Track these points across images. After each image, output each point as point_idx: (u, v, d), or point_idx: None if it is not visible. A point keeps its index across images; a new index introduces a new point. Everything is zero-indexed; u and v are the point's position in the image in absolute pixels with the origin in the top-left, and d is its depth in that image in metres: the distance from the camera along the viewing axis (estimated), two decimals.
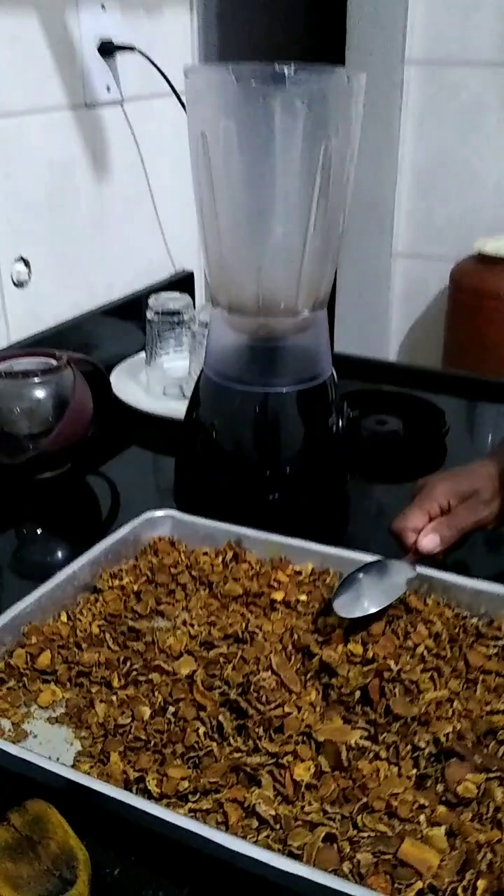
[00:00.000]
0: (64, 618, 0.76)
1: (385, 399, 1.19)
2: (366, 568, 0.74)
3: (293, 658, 0.70)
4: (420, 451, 1.07)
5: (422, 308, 2.18)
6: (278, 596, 0.78)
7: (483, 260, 1.89)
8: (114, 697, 0.67)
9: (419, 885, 0.50)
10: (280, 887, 0.50)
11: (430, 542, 0.77)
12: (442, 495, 0.79)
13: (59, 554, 0.93)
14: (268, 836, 0.54)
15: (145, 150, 1.33)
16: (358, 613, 0.70)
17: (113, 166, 1.28)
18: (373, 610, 0.70)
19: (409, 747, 0.61)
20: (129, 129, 1.30)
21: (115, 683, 0.69)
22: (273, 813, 0.55)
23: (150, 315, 1.21)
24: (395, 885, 0.50)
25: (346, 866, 0.51)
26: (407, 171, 2.08)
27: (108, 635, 0.74)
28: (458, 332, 1.95)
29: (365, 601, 0.71)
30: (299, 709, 0.64)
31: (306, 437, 0.89)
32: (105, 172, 1.27)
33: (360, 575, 0.73)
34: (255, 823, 0.55)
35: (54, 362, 1.01)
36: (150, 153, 1.34)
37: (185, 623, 0.75)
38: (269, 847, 0.52)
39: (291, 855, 0.52)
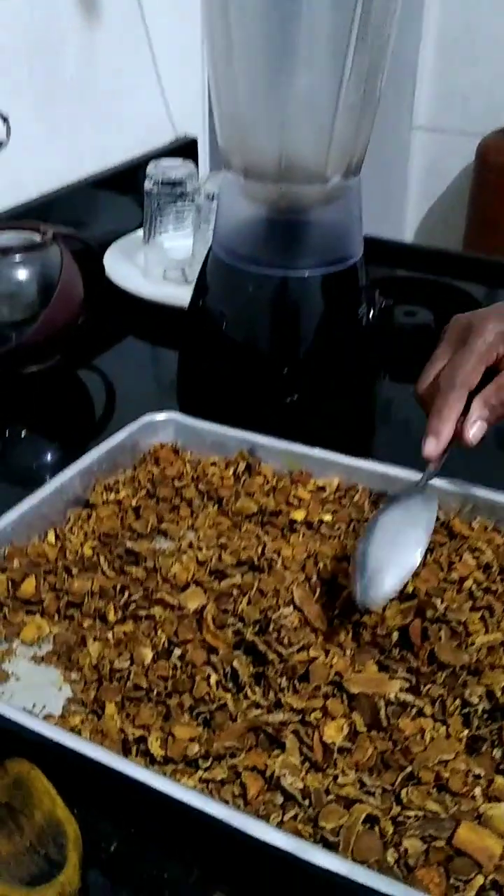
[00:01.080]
0: (51, 537, 0.66)
1: (413, 287, 1.06)
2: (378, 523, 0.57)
3: (318, 591, 0.60)
4: None
5: (443, 187, 2.04)
6: (299, 515, 0.67)
7: None
8: (109, 634, 0.57)
9: (479, 879, 0.42)
10: (310, 876, 0.42)
11: (479, 430, 0.58)
12: (499, 339, 0.59)
13: (46, 461, 0.84)
14: (295, 817, 0.45)
15: None
16: (382, 599, 0.54)
17: (105, 6, 1.11)
18: (397, 585, 0.54)
19: (457, 702, 0.52)
20: None
21: (111, 617, 0.59)
22: (300, 785, 0.46)
23: (148, 185, 1.06)
24: (451, 880, 0.42)
25: (390, 855, 0.43)
26: (431, 35, 1.88)
27: (102, 559, 0.64)
28: (483, 213, 1.81)
29: (386, 576, 0.54)
30: (327, 652, 0.54)
31: (331, 329, 0.76)
32: (95, 14, 1.10)
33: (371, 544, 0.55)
34: (280, 798, 0.46)
35: (38, 238, 0.88)
36: None
37: (191, 546, 0.65)
38: (297, 832, 0.43)
39: (324, 841, 0.43)
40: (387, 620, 0.56)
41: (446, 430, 0.60)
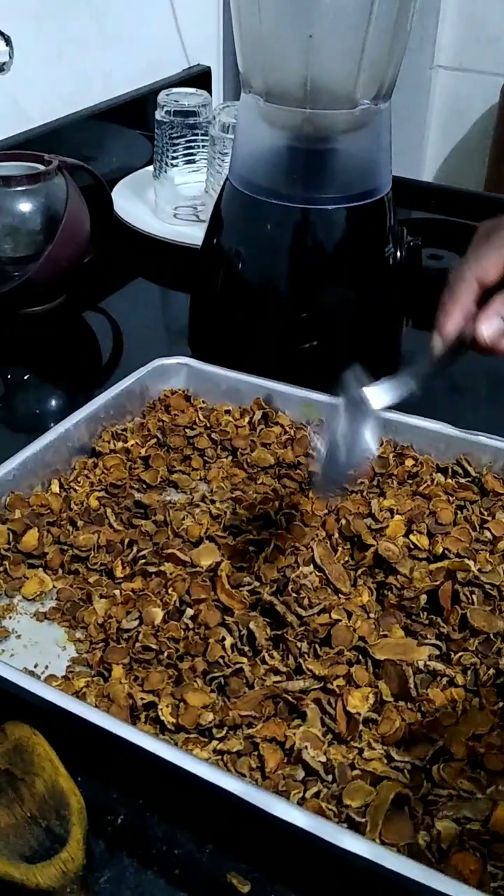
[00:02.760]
0: (55, 487, 0.62)
1: (438, 228, 1.00)
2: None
3: (340, 549, 0.56)
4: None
5: (464, 129, 1.96)
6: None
7: None
8: (116, 592, 0.53)
9: None
10: (334, 859, 0.38)
11: (494, 329, 0.49)
12: None
13: (50, 406, 0.80)
14: (318, 794, 0.41)
15: None
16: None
17: None
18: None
19: (491, 671, 0.48)
20: None
21: (119, 573, 0.55)
22: (323, 759, 0.43)
23: (159, 115, 1.00)
24: (489, 867, 0.38)
25: (421, 838, 0.39)
26: None
27: (109, 511, 0.60)
28: None
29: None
30: (349, 615, 0.51)
31: (356, 269, 0.71)
32: None
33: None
34: (301, 773, 0.42)
35: (42, 167, 0.82)
36: None
37: (203, 499, 0.61)
38: (320, 810, 0.40)
39: (350, 821, 0.40)
40: (414, 582, 0.52)
41: (448, 325, 0.52)
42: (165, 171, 1.02)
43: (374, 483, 0.62)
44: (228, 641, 0.49)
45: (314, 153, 0.68)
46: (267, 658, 0.48)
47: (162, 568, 0.54)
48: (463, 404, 0.71)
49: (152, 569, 0.55)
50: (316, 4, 0.62)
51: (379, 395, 0.49)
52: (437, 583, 0.52)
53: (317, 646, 0.49)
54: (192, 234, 0.93)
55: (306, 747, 0.43)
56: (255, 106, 0.67)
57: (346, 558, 0.55)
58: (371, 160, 0.70)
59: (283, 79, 0.65)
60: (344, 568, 0.54)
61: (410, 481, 0.62)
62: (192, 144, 1.02)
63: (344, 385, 0.50)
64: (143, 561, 0.56)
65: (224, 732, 0.44)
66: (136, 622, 0.51)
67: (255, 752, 0.43)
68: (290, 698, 0.46)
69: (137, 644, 0.50)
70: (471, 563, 0.52)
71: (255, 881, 0.41)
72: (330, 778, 0.42)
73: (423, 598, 0.52)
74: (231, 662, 0.48)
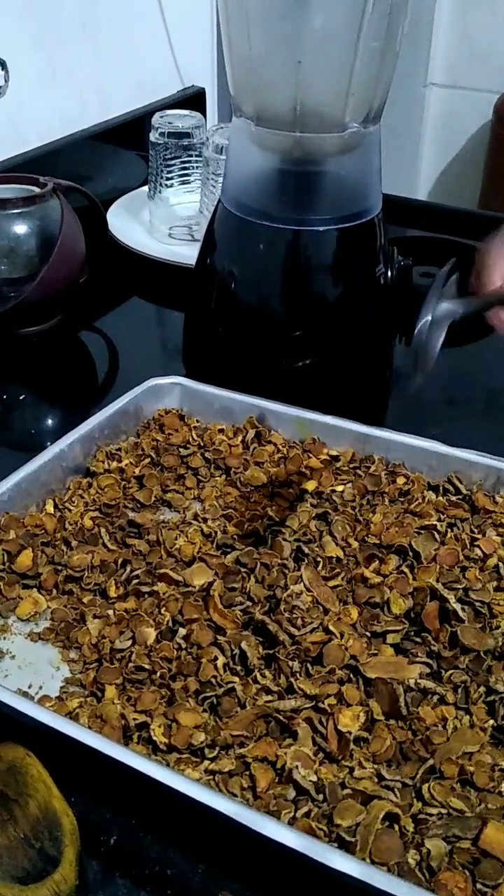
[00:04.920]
0: (50, 507, 0.62)
1: (429, 246, 1.01)
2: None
3: (326, 569, 0.56)
4: None
5: (458, 146, 1.97)
6: (310, 486, 0.64)
7: None
8: (110, 612, 0.54)
9: None
10: (325, 878, 0.38)
11: None
12: None
13: (46, 426, 0.81)
14: (308, 813, 0.41)
15: None
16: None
17: None
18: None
19: (482, 689, 0.48)
20: None
21: (112, 593, 0.56)
22: (314, 778, 0.43)
23: (153, 137, 1.01)
24: (478, 885, 0.39)
25: (411, 857, 0.40)
26: None
27: (103, 531, 0.60)
28: (501, 174, 1.75)
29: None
30: (341, 634, 0.51)
31: (347, 289, 0.72)
32: None
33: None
34: (292, 792, 0.43)
35: (38, 189, 0.83)
36: None
37: (196, 518, 0.61)
38: (311, 830, 0.40)
39: (340, 841, 0.40)
40: (392, 609, 0.52)
41: (490, 284, 0.57)
42: (160, 192, 1.03)
43: (365, 500, 0.63)
44: (220, 661, 0.50)
45: (304, 176, 0.69)
46: (259, 677, 0.49)
47: (155, 588, 0.55)
48: (455, 421, 0.71)
49: (145, 588, 0.55)
50: (304, 31, 0.63)
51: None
52: (423, 601, 0.52)
53: (308, 665, 0.49)
54: (187, 253, 0.93)
55: (297, 767, 0.43)
56: (246, 129, 0.68)
57: (335, 580, 0.55)
58: (361, 182, 0.70)
59: (273, 103, 0.66)
60: (332, 590, 0.55)
61: (402, 499, 0.62)
62: (187, 165, 1.03)
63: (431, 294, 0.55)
64: (137, 581, 0.56)
65: (216, 752, 0.45)
66: (130, 642, 0.51)
67: (247, 772, 0.44)
68: (281, 718, 0.46)
69: (130, 664, 0.50)
70: (458, 579, 0.52)
71: None
72: (321, 797, 0.42)
73: (406, 624, 0.52)
74: (223, 682, 0.48)
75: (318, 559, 0.56)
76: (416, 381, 0.54)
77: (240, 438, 0.68)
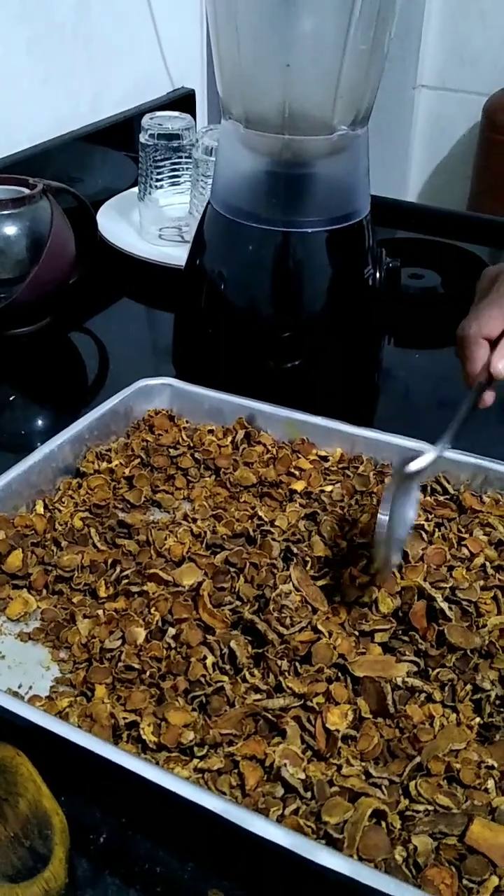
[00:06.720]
0: (39, 508, 0.63)
1: (418, 248, 1.02)
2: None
3: (315, 568, 0.57)
4: (464, 311, 0.90)
5: (447, 148, 1.97)
6: (299, 486, 0.64)
7: None
8: (100, 612, 0.54)
9: (494, 880, 0.39)
10: (313, 875, 0.39)
11: None
12: None
13: (36, 427, 0.81)
14: (297, 811, 0.42)
15: None
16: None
17: None
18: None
19: (468, 687, 0.49)
20: None
21: (102, 593, 0.56)
22: (302, 776, 0.43)
23: (143, 138, 1.01)
24: (464, 881, 0.39)
25: (398, 854, 0.40)
26: None
27: (93, 531, 0.61)
28: (489, 176, 1.76)
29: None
30: (329, 633, 0.51)
31: (336, 290, 0.72)
32: None
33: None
34: (280, 790, 0.43)
35: (27, 191, 0.83)
36: None
37: (186, 518, 0.62)
38: (299, 827, 0.41)
39: (328, 838, 0.41)
40: (380, 608, 0.53)
41: (475, 376, 0.57)
42: (150, 193, 1.03)
43: (354, 500, 0.63)
44: (210, 660, 0.50)
45: (293, 178, 0.69)
46: (248, 676, 0.49)
47: (145, 588, 0.55)
48: (443, 422, 0.72)
49: (135, 588, 0.55)
50: (293, 34, 0.64)
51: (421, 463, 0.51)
52: (410, 601, 0.52)
53: (297, 663, 0.50)
54: (177, 254, 0.94)
55: (286, 765, 0.43)
56: (235, 132, 0.69)
57: (324, 579, 0.56)
58: (349, 184, 0.71)
59: (262, 106, 0.66)
60: (321, 589, 0.55)
61: None
62: (177, 167, 1.03)
63: (394, 470, 0.52)
64: (126, 581, 0.56)
65: (205, 751, 0.45)
66: (119, 642, 0.52)
67: (236, 770, 0.44)
68: (270, 716, 0.46)
69: (120, 664, 0.50)
70: (444, 579, 0.53)
71: None
72: (309, 795, 0.43)
73: (394, 623, 0.52)
74: (212, 681, 0.49)
75: (307, 559, 0.57)
76: (386, 565, 0.52)
77: (229, 439, 0.69)
